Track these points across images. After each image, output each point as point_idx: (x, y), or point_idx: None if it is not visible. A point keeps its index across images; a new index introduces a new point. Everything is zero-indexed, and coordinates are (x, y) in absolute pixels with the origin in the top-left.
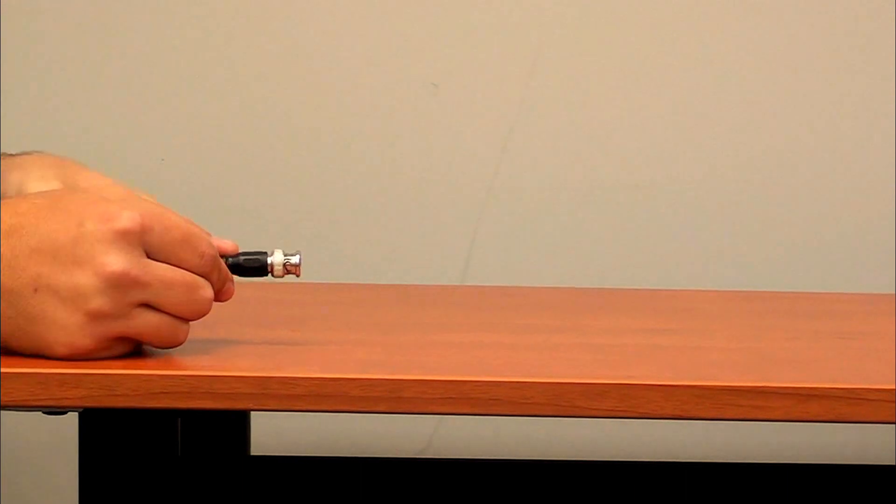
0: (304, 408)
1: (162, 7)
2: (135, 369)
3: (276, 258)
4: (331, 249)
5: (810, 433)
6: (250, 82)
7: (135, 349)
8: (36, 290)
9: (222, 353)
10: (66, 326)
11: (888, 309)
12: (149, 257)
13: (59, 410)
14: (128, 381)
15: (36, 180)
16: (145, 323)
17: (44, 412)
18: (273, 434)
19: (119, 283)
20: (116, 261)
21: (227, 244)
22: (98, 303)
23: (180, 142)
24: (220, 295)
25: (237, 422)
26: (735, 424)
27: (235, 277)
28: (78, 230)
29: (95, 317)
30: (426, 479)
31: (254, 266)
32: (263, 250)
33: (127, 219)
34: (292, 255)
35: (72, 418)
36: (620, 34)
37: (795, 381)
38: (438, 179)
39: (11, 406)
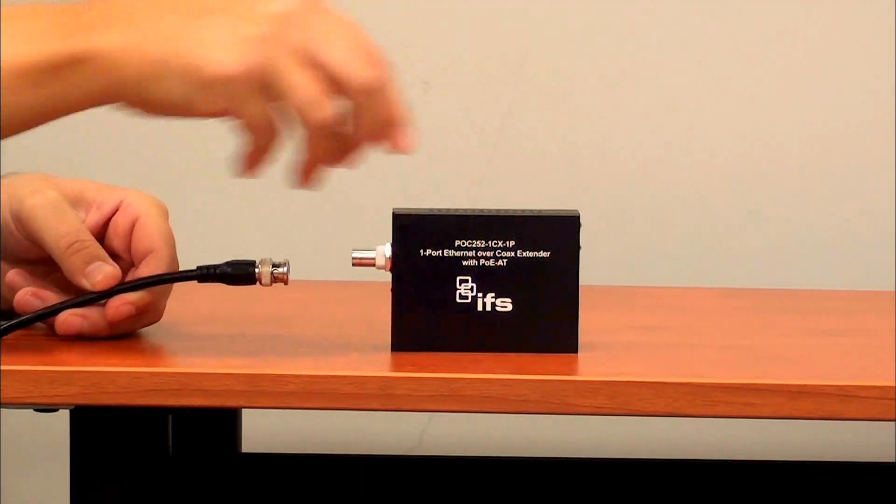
0: (295, 405)
1: None
2: (125, 366)
3: (265, 268)
4: (324, 247)
5: (808, 430)
6: None
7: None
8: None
9: (213, 351)
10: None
11: (882, 306)
12: None
13: (50, 408)
14: (118, 379)
15: (31, 194)
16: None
17: (35, 409)
18: (264, 431)
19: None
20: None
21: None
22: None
23: (179, 139)
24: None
25: (228, 419)
26: (731, 421)
27: (223, 285)
28: None
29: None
30: (417, 476)
31: (242, 275)
32: (252, 259)
33: None
34: (280, 264)
35: (63, 415)
36: (614, 32)
37: (787, 379)
38: (429, 177)
39: (2, 403)
